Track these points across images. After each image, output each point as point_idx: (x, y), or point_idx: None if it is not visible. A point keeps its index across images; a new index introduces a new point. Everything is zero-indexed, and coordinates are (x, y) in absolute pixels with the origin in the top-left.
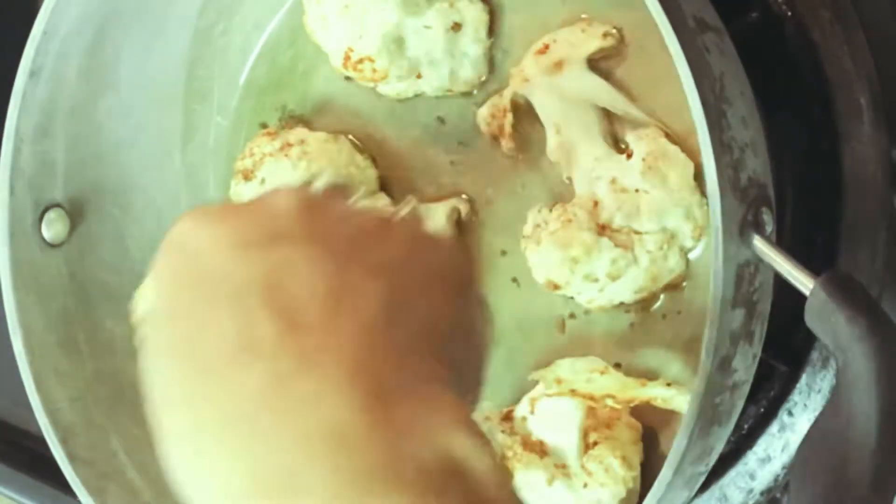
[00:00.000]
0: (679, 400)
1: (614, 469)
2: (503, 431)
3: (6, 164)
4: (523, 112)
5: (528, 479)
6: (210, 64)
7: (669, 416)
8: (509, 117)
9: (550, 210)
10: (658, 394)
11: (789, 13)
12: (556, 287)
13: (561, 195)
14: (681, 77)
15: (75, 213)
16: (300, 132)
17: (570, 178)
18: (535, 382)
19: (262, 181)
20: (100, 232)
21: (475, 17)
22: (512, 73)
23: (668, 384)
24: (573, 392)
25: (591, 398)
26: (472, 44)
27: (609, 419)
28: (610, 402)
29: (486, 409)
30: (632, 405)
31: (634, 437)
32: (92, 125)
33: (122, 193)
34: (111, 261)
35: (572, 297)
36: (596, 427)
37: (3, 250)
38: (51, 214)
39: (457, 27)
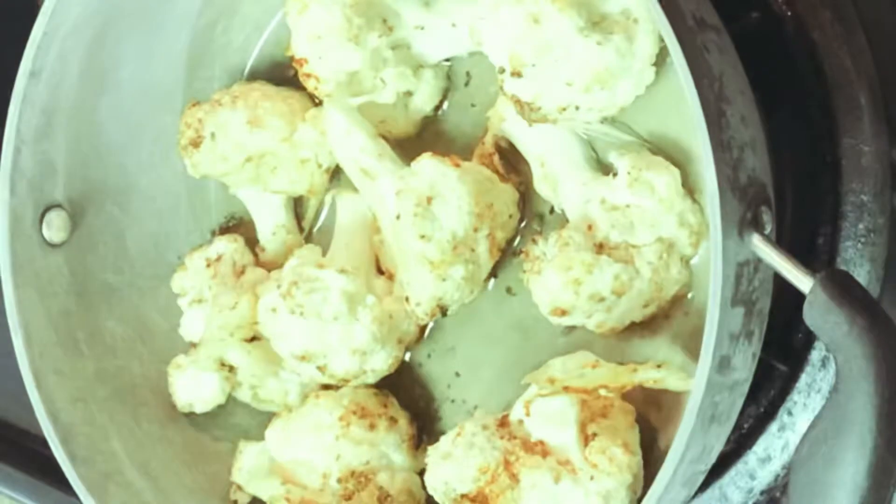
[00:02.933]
0: (671, 379)
1: (618, 457)
2: (502, 438)
3: (7, 164)
4: (509, 151)
5: (534, 480)
6: (210, 64)
7: (670, 415)
8: (496, 159)
9: (546, 240)
10: (650, 376)
11: (789, 13)
12: (564, 313)
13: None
14: (680, 76)
15: (76, 214)
16: (218, 94)
17: (561, 209)
18: (527, 386)
19: (213, 136)
20: (100, 232)
21: (430, 85)
22: (488, 116)
23: (659, 366)
24: (567, 389)
25: (585, 391)
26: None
27: (604, 408)
28: (603, 391)
29: (481, 418)
30: (624, 390)
31: (630, 421)
32: (92, 125)
33: (123, 193)
34: (112, 260)
35: (583, 326)
36: (592, 418)
37: (3, 250)
38: (51, 215)
39: (408, 94)
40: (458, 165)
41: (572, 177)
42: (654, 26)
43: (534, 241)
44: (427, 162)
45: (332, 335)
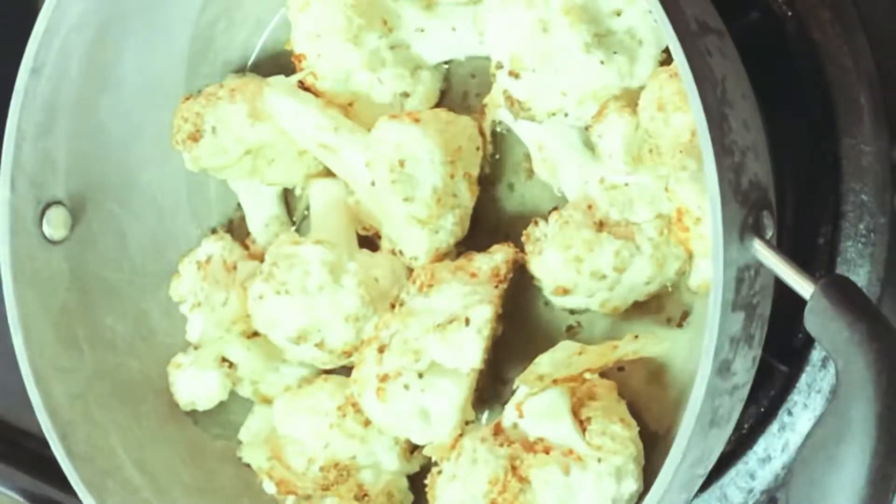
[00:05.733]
0: (648, 346)
1: (619, 433)
2: (501, 445)
3: (7, 160)
4: (505, 137)
5: (545, 478)
6: (212, 61)
7: (670, 417)
8: (487, 145)
9: (547, 221)
10: (630, 349)
11: (789, 13)
12: (566, 291)
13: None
14: (683, 80)
15: (76, 210)
16: (212, 88)
17: (561, 190)
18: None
19: (214, 129)
20: (100, 229)
21: (426, 86)
22: (485, 102)
23: (636, 336)
24: (555, 381)
25: (572, 379)
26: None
27: (590, 391)
28: (588, 374)
29: (476, 432)
30: (606, 368)
31: (615, 396)
32: (93, 122)
33: (123, 190)
34: (112, 258)
35: (586, 309)
36: (582, 404)
37: (3, 247)
38: (52, 211)
39: (405, 95)
40: (417, 120)
41: (570, 159)
42: (657, 50)
43: (535, 224)
44: (387, 125)
45: (321, 307)
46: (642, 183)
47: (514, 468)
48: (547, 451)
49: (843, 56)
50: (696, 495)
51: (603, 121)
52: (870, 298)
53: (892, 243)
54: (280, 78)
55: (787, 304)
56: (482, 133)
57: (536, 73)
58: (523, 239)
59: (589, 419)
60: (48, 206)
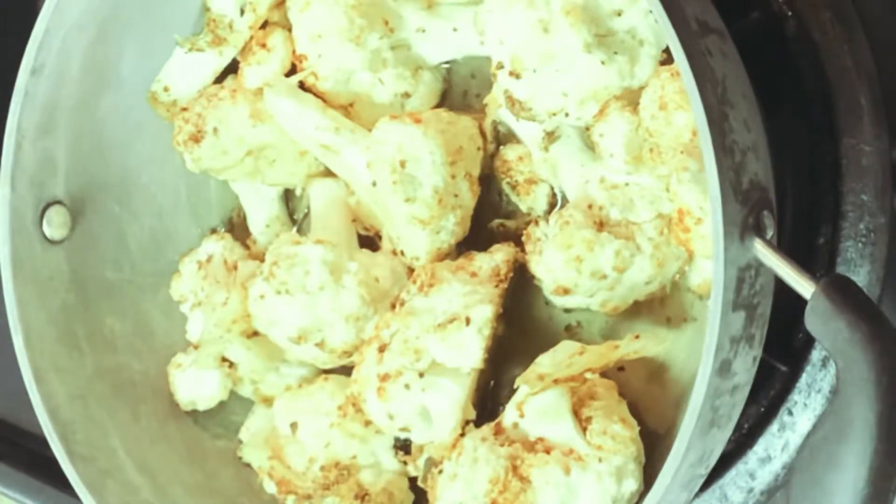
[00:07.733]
0: (649, 347)
1: (619, 432)
2: (502, 445)
3: (8, 160)
4: (506, 136)
5: (545, 477)
6: None
7: (670, 417)
8: (488, 145)
9: (547, 221)
10: (630, 349)
11: (790, 13)
12: (567, 291)
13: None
14: (683, 80)
15: (76, 210)
16: (212, 88)
17: (562, 191)
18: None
19: (215, 130)
20: (100, 228)
21: (427, 87)
22: (486, 101)
23: (636, 336)
24: (556, 381)
25: (573, 379)
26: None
27: (590, 391)
28: (588, 374)
29: (477, 431)
30: (607, 368)
31: (616, 395)
32: (93, 122)
33: (123, 190)
34: (112, 257)
35: (587, 309)
36: (583, 403)
37: (4, 247)
38: (52, 211)
39: (406, 95)
40: (418, 121)
41: (571, 159)
42: (658, 50)
43: (535, 224)
44: (388, 126)
45: (321, 307)
46: (643, 183)
47: (514, 468)
48: (548, 451)
49: (843, 56)
50: (696, 495)
51: (604, 120)
52: (871, 298)
53: (892, 243)
54: (281, 78)
55: (787, 304)
56: (483, 133)
57: (537, 73)
58: (523, 239)
59: (589, 419)
60: (48, 206)
